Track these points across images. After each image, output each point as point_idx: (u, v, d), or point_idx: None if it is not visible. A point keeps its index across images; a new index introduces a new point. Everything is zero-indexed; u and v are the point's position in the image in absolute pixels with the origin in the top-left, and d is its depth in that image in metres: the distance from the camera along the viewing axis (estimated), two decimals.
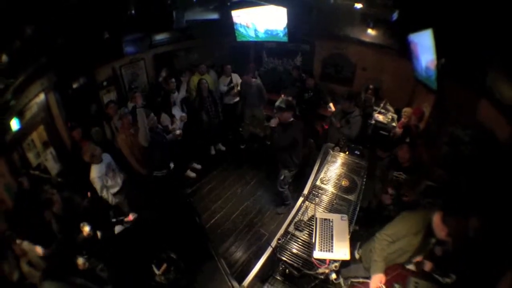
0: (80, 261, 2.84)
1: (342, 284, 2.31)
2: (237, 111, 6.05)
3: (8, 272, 2.45)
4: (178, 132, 4.52)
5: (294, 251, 2.52)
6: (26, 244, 2.62)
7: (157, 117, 4.15)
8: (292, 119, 3.59)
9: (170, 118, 4.69)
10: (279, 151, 3.79)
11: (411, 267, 2.38)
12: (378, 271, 2.21)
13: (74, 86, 4.28)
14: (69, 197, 3.28)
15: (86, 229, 2.97)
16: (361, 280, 2.37)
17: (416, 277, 2.19)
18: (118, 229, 3.61)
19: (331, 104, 5.16)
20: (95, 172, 3.37)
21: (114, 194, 3.61)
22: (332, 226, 2.56)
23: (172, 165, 4.24)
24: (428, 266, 2.29)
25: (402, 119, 4.40)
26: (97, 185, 3.38)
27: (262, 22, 5.67)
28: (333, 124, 4.43)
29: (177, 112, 4.91)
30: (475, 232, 2.08)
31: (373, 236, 2.46)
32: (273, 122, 3.74)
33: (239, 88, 5.84)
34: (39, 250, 2.72)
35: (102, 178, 3.41)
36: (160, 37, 5.54)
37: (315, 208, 2.83)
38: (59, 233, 2.98)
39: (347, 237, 2.47)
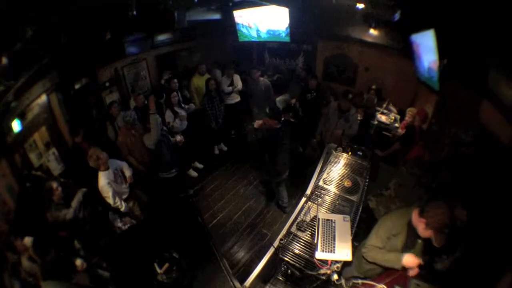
0: (78, 262, 2.82)
1: (344, 285, 2.32)
2: (241, 111, 6.04)
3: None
4: (179, 138, 4.51)
5: (296, 251, 2.52)
6: (27, 240, 2.61)
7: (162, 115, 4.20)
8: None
9: (173, 115, 4.71)
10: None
11: None
12: (400, 260, 2.12)
13: (76, 86, 4.29)
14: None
15: (78, 262, 2.84)
16: (361, 281, 2.37)
17: (417, 279, 2.19)
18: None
19: None
20: (103, 179, 3.19)
21: (125, 200, 3.52)
22: (334, 226, 2.55)
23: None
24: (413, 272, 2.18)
25: (406, 118, 4.36)
26: (108, 192, 3.20)
27: (264, 22, 5.67)
28: (325, 125, 4.46)
29: (180, 110, 4.92)
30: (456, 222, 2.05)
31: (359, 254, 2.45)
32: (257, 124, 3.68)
33: (238, 87, 5.86)
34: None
35: (111, 184, 3.25)
36: (162, 37, 5.55)
37: (317, 209, 2.83)
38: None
39: (349, 238, 2.47)
